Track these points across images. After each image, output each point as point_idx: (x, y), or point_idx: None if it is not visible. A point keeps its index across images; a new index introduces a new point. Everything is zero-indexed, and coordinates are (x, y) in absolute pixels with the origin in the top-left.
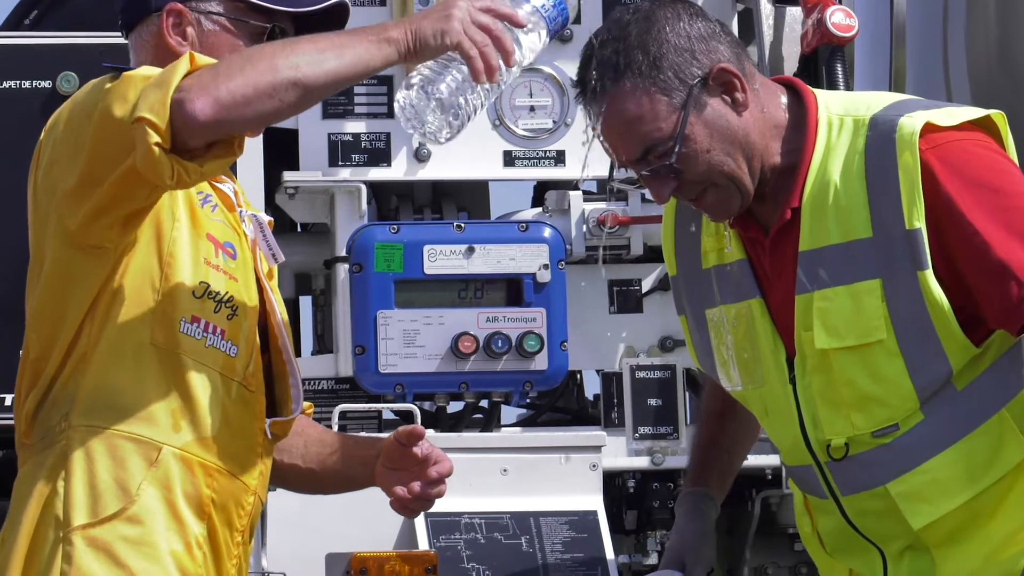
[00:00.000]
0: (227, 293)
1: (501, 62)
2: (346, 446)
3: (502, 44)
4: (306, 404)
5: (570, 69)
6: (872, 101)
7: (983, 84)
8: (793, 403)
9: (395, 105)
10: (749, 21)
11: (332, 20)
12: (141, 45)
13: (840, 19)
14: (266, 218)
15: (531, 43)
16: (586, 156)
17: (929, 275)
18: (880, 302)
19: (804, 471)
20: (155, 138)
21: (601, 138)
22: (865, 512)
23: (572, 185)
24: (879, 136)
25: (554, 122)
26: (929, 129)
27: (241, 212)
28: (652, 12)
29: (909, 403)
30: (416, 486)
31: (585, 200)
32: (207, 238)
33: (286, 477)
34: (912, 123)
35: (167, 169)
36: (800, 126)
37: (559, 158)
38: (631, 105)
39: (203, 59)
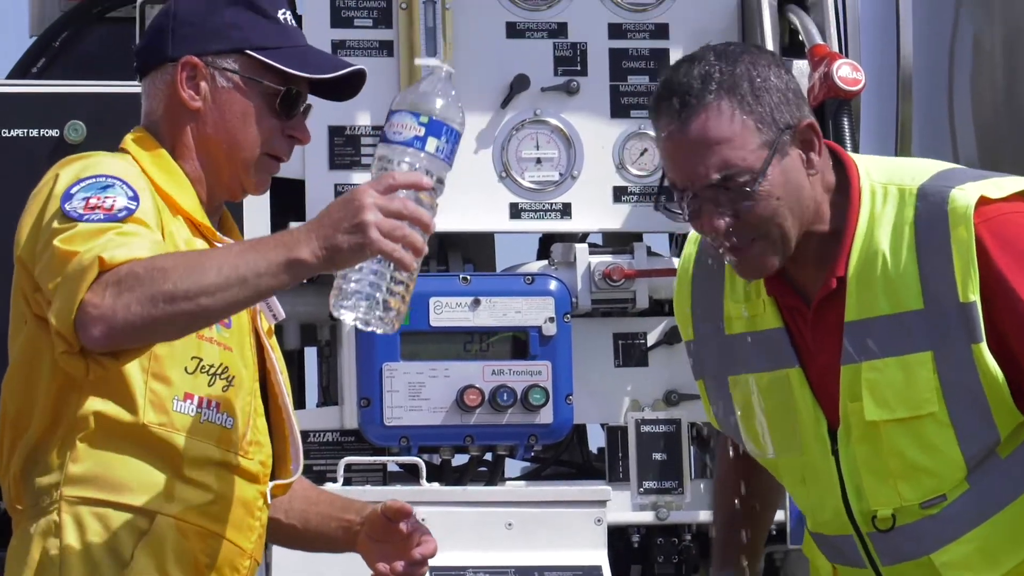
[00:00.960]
0: (221, 364)
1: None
2: (331, 507)
3: (420, 220)
4: None
5: (577, 121)
6: (915, 170)
7: (989, 132)
8: (835, 474)
9: (333, 312)
10: None
11: (347, 83)
12: (154, 92)
13: (847, 73)
14: None
15: (440, 186)
16: (661, 181)
17: (984, 347)
18: (932, 374)
19: (842, 541)
20: (62, 347)
21: (670, 150)
22: None
23: (578, 238)
24: (930, 208)
25: (560, 174)
26: (981, 202)
27: None
28: (759, 51)
29: (957, 473)
30: (399, 565)
31: (591, 253)
32: None
33: (268, 530)
34: (965, 196)
35: (81, 368)
36: (844, 193)
37: (565, 210)
38: (724, 125)
39: (117, 255)
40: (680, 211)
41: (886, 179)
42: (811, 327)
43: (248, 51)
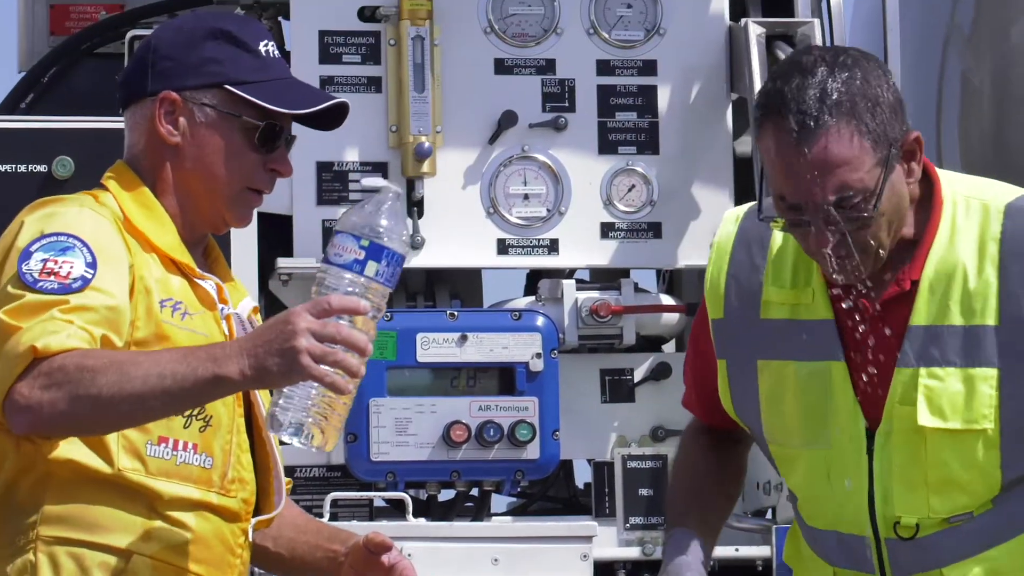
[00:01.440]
0: None
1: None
2: (318, 536)
3: (355, 345)
4: (285, 479)
5: (564, 158)
6: (997, 188)
7: (977, 172)
8: (866, 474)
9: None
10: (743, 110)
11: (331, 114)
12: (135, 126)
13: None
14: (248, 308)
15: (379, 310)
16: (760, 185)
17: None
18: (995, 391)
19: (856, 542)
20: None
21: (783, 166)
22: None
23: (565, 273)
24: (1018, 226)
25: (548, 211)
26: None
27: (222, 310)
28: (867, 61)
29: (991, 494)
30: None
31: (578, 289)
32: None
33: (255, 556)
34: None
35: (11, 442)
36: (927, 200)
37: (553, 246)
38: (843, 148)
39: (51, 344)
40: (777, 219)
41: (967, 192)
42: (871, 325)
43: (226, 86)
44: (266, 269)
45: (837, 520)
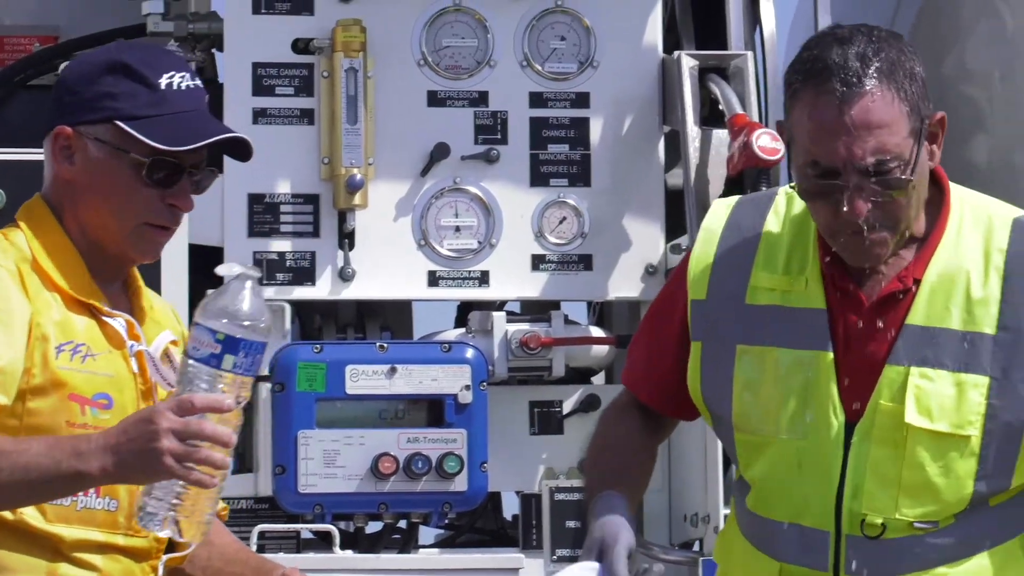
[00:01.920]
0: None
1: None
2: (245, 566)
3: (218, 441)
4: (221, 505)
5: (496, 190)
6: (1002, 203)
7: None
8: (839, 467)
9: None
10: (675, 143)
11: (241, 145)
12: (46, 159)
13: (766, 142)
14: (164, 342)
15: (241, 400)
16: (789, 159)
17: None
18: (983, 399)
19: (815, 536)
20: None
21: (821, 130)
22: None
23: (496, 306)
24: None
25: (479, 243)
26: None
27: (131, 347)
28: (902, 38)
29: (959, 507)
30: None
31: (508, 321)
32: (68, 399)
33: None
34: None
35: None
36: (936, 202)
37: (483, 278)
38: (885, 110)
39: None
40: (806, 191)
41: (976, 202)
42: (863, 319)
43: (117, 121)
44: (197, 300)
45: (800, 513)
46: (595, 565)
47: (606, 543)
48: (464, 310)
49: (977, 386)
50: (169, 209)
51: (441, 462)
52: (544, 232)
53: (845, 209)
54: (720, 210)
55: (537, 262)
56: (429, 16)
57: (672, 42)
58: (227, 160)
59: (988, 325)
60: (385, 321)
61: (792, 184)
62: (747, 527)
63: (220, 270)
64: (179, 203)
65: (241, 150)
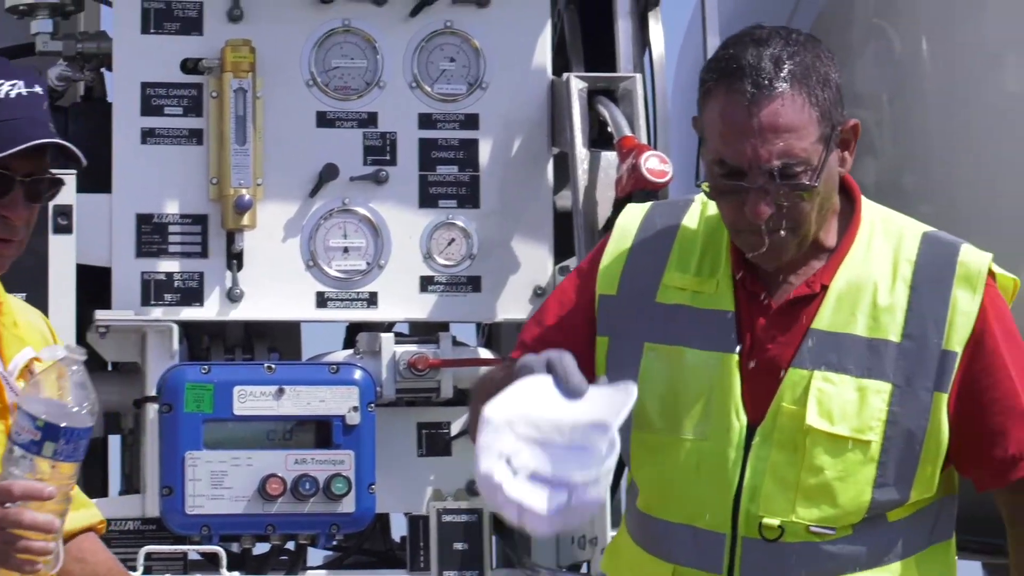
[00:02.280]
0: None
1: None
2: None
3: (39, 528)
4: (98, 521)
5: (384, 211)
6: (913, 220)
7: None
8: (739, 470)
9: None
10: (564, 165)
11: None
12: None
13: (655, 165)
14: (24, 360)
15: (65, 486)
16: (698, 157)
17: (945, 399)
18: (885, 405)
19: (710, 538)
20: None
21: (730, 130)
22: None
23: (384, 327)
24: (938, 255)
25: (367, 264)
26: (990, 271)
27: None
28: (818, 42)
29: (857, 515)
30: None
31: (397, 342)
32: None
33: None
34: (979, 259)
35: None
36: (847, 214)
37: (372, 300)
38: (795, 115)
39: None
40: (713, 188)
41: (887, 217)
42: (768, 323)
43: None
44: (84, 321)
45: (696, 514)
46: (546, 377)
47: (551, 358)
48: (352, 331)
49: (879, 392)
50: (2, 220)
51: (329, 483)
52: (433, 253)
53: (747, 209)
54: (636, 210)
55: (426, 283)
56: (318, 37)
57: (561, 64)
58: (116, 179)
59: (893, 333)
60: (273, 342)
61: (698, 182)
62: (638, 530)
63: (44, 353)
64: (10, 214)
65: (75, 157)
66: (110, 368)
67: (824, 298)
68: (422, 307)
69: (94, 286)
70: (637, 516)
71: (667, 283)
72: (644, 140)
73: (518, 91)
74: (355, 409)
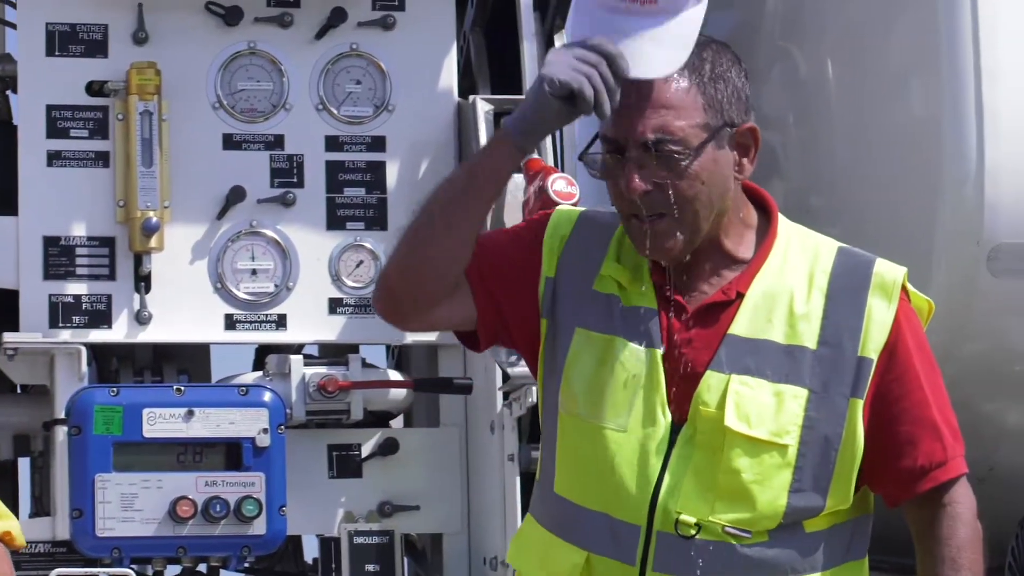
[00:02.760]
0: None
1: None
2: None
3: None
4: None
5: (293, 233)
6: (825, 236)
7: None
8: (659, 465)
9: None
10: None
11: None
12: None
13: (562, 187)
14: None
15: None
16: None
17: (860, 405)
18: (801, 411)
19: (625, 529)
20: None
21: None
22: None
23: (294, 349)
24: (854, 266)
25: (276, 286)
26: (904, 287)
27: None
28: (725, 47)
29: (773, 520)
30: None
31: (306, 364)
32: None
33: None
34: (894, 271)
35: None
36: (764, 229)
37: (281, 322)
38: (676, 95)
39: None
40: (599, 165)
41: (802, 233)
42: (685, 327)
43: None
44: None
45: (612, 504)
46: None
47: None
48: (262, 353)
49: (796, 397)
50: None
51: (239, 505)
52: (341, 275)
53: (622, 183)
54: (571, 210)
55: (334, 305)
56: (224, 59)
57: (467, 86)
58: (22, 202)
59: (809, 340)
60: (182, 364)
61: (581, 155)
62: (551, 516)
63: None
64: None
65: None
66: (19, 390)
67: (741, 305)
68: (331, 329)
69: (1, 308)
70: (553, 501)
71: (604, 273)
72: (550, 162)
73: (425, 113)
74: (265, 431)
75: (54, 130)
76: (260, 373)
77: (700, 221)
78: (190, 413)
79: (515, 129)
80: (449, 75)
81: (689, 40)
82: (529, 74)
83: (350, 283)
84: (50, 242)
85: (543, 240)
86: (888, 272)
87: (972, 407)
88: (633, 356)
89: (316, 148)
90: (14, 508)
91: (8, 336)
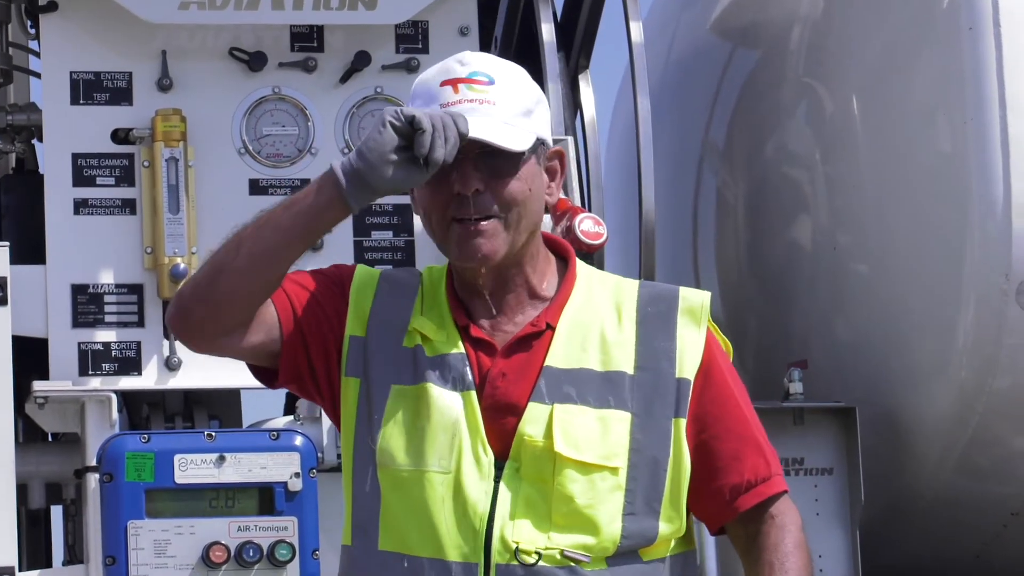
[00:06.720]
0: None
1: None
2: None
3: None
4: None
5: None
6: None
7: (733, 287)
8: (489, 501)
9: None
10: None
11: None
12: None
13: (589, 227)
14: None
15: None
16: None
17: (684, 424)
18: (627, 434)
19: (460, 570)
20: None
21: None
22: None
23: None
24: (659, 295)
25: None
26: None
27: None
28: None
29: (611, 545)
30: None
31: None
32: None
33: None
34: (700, 295)
35: None
36: (563, 269)
37: None
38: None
39: None
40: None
41: (603, 272)
42: (497, 362)
43: None
44: (22, 392)
45: (445, 547)
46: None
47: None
48: (292, 397)
49: (621, 420)
50: None
51: (273, 550)
52: None
53: (456, 181)
54: (372, 269)
55: None
56: (249, 104)
57: None
58: (50, 250)
59: (627, 365)
60: (213, 409)
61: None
62: (382, 569)
63: None
64: None
65: None
66: (50, 439)
67: (553, 336)
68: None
69: (31, 357)
70: (377, 560)
71: (412, 327)
72: (578, 202)
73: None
74: (297, 475)
75: (80, 178)
76: (291, 418)
77: (521, 228)
78: (221, 458)
79: (348, 174)
80: None
81: (536, 125)
82: (555, 114)
83: None
84: (78, 290)
85: (349, 297)
86: (694, 296)
87: (1003, 443)
88: (449, 401)
89: None
90: (47, 557)
91: (38, 385)
